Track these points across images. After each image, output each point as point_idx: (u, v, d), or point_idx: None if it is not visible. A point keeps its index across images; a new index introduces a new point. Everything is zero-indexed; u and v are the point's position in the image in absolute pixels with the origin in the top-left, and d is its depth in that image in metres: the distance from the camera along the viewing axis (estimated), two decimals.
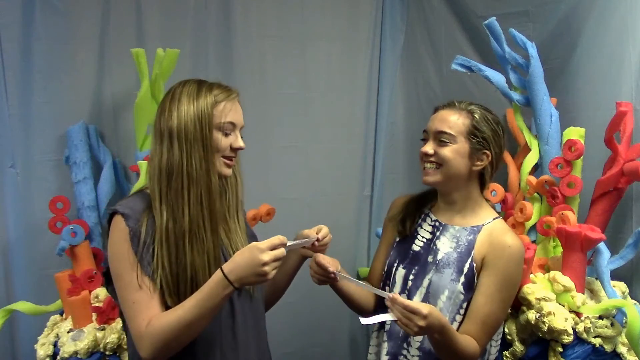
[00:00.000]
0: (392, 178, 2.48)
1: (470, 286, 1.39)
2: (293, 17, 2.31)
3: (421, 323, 1.20)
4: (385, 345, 1.45)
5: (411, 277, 1.45)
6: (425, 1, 2.40)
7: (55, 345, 1.78)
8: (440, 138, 1.41)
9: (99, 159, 2.06)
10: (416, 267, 1.45)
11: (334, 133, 2.38)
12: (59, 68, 2.05)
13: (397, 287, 1.46)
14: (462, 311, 1.39)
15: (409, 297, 1.43)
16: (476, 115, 1.42)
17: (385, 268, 1.51)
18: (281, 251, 1.16)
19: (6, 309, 1.85)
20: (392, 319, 1.24)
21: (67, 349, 1.71)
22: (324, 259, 1.35)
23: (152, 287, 1.19)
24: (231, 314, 1.29)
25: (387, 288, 1.49)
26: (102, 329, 1.75)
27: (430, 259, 1.44)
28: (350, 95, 2.40)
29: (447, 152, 1.40)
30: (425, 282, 1.42)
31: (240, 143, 1.29)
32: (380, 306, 1.49)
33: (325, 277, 1.36)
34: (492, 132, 1.42)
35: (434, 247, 1.45)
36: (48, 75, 2.04)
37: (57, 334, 1.80)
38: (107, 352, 1.73)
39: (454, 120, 1.41)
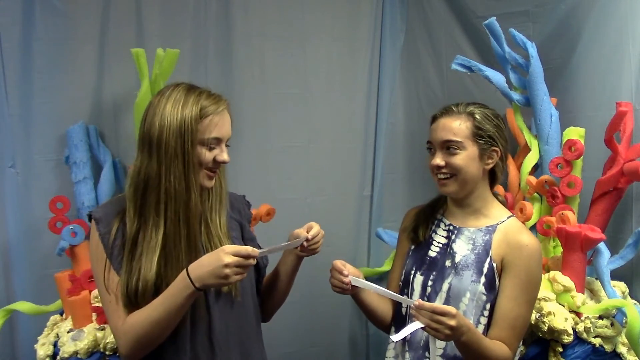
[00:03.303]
0: (392, 178, 2.48)
1: (491, 287, 1.38)
2: (293, 17, 2.31)
3: (452, 323, 1.19)
4: (407, 355, 1.43)
5: (430, 282, 1.43)
6: (425, 1, 2.40)
7: (55, 345, 1.78)
8: (448, 147, 1.39)
9: (99, 159, 2.06)
10: (434, 273, 1.43)
11: (334, 133, 2.38)
12: (59, 68, 2.05)
13: (416, 293, 1.44)
14: (485, 313, 1.38)
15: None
16: (477, 116, 1.40)
17: (402, 277, 1.50)
18: (247, 261, 1.13)
19: (6, 309, 1.85)
20: (420, 326, 1.22)
21: (67, 349, 1.71)
22: (344, 265, 1.35)
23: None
24: (207, 320, 1.26)
25: (405, 296, 1.47)
26: (102, 329, 1.75)
27: (448, 263, 1.42)
28: (350, 95, 2.40)
29: (458, 160, 1.38)
30: (445, 287, 1.40)
31: (224, 157, 1.25)
32: (397, 320, 1.49)
33: (341, 284, 1.35)
34: (496, 127, 1.42)
35: (451, 251, 1.44)
36: (48, 75, 2.04)
37: (57, 334, 1.79)
38: (107, 352, 1.73)
39: (457, 127, 1.39)
